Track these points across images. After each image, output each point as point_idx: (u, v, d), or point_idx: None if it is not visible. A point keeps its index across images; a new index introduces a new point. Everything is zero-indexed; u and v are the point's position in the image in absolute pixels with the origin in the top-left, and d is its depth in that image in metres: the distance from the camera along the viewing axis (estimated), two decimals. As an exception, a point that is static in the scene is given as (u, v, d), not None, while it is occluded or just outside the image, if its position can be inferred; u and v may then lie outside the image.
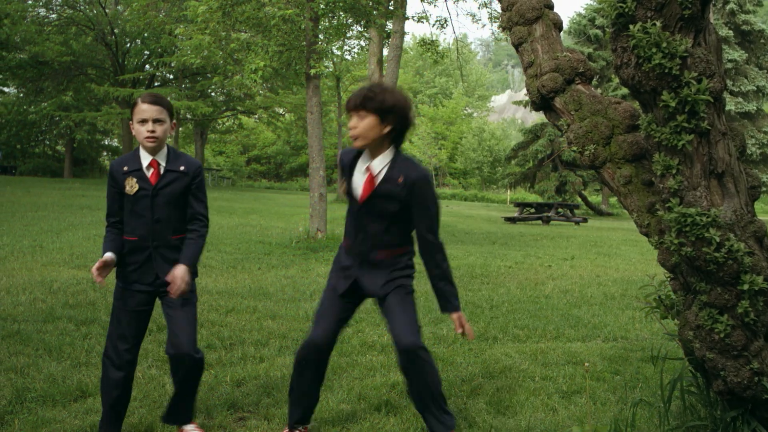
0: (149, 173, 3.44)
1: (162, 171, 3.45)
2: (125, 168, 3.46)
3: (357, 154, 3.56)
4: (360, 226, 3.55)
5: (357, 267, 3.60)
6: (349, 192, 3.56)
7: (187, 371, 3.53)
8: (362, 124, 3.37)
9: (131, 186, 3.43)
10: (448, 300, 3.60)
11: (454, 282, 3.62)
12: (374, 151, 3.46)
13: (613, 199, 38.38)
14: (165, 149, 3.48)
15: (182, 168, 3.46)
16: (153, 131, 3.40)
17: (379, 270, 3.57)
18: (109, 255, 3.42)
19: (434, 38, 20.31)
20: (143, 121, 3.40)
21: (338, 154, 3.66)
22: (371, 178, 3.47)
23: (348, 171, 3.57)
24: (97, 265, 3.35)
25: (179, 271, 3.38)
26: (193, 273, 3.49)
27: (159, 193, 3.44)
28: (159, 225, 3.45)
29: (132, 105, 3.46)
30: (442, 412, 3.60)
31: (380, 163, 3.46)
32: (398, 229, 3.55)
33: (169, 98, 38.10)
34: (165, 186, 3.45)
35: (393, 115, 3.38)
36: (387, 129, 3.39)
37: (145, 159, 3.46)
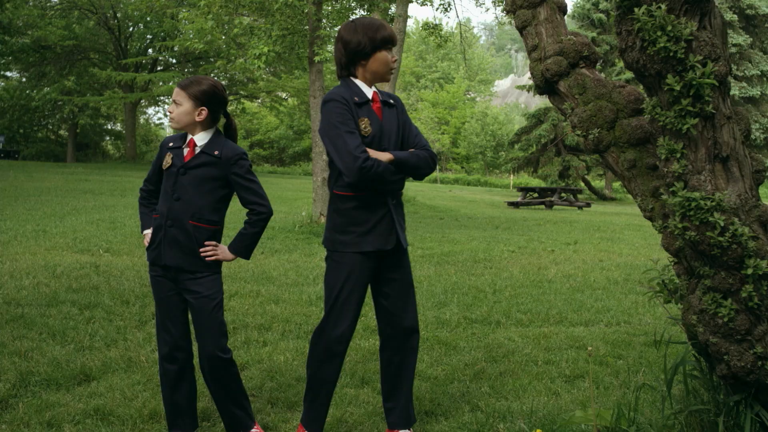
0: (186, 151, 3.43)
1: (197, 151, 3.41)
2: (170, 144, 3.48)
3: (352, 94, 3.47)
4: None
5: (391, 214, 3.43)
6: (372, 133, 3.41)
7: (213, 374, 3.47)
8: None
9: (167, 161, 3.43)
10: None
11: None
12: (377, 83, 3.55)
13: (617, 184, 38.34)
14: (209, 133, 3.44)
15: (216, 152, 3.39)
16: (169, 111, 3.44)
17: (399, 215, 3.51)
18: (148, 233, 3.51)
19: (437, 22, 20.20)
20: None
21: (336, 97, 3.37)
22: (378, 104, 3.49)
23: (362, 108, 3.43)
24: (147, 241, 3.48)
25: (222, 250, 3.42)
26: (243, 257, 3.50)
27: (187, 172, 3.39)
28: (177, 204, 3.38)
29: None
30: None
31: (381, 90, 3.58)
32: None
33: (171, 82, 38.23)
34: (195, 167, 3.39)
35: None
36: None
37: (188, 138, 3.46)
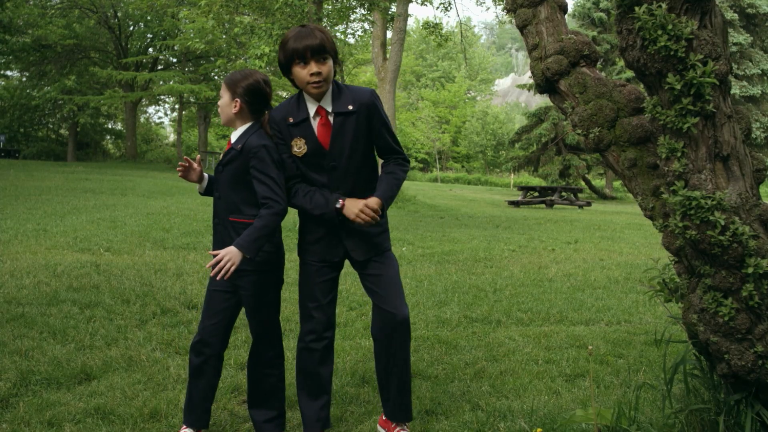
0: (225, 149, 3.46)
1: (229, 148, 3.42)
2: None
3: (286, 114, 3.37)
4: (335, 180, 3.38)
5: (341, 229, 3.42)
6: (307, 153, 3.35)
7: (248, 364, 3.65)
8: (326, 68, 3.25)
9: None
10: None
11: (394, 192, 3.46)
12: (321, 95, 3.33)
13: (617, 183, 38.36)
14: (243, 127, 3.42)
15: (239, 146, 3.35)
16: (218, 106, 3.51)
17: (362, 228, 3.39)
18: (204, 174, 3.57)
19: (438, 21, 20.23)
20: None
21: (268, 119, 3.45)
22: (324, 120, 3.33)
23: (298, 127, 3.35)
24: (185, 162, 3.48)
25: (224, 251, 3.15)
26: (252, 258, 3.22)
27: (224, 169, 3.40)
28: (219, 202, 3.43)
29: None
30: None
31: (327, 101, 3.34)
32: (371, 164, 3.46)
33: (171, 82, 38.20)
34: (227, 163, 3.39)
35: (336, 54, 3.35)
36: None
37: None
